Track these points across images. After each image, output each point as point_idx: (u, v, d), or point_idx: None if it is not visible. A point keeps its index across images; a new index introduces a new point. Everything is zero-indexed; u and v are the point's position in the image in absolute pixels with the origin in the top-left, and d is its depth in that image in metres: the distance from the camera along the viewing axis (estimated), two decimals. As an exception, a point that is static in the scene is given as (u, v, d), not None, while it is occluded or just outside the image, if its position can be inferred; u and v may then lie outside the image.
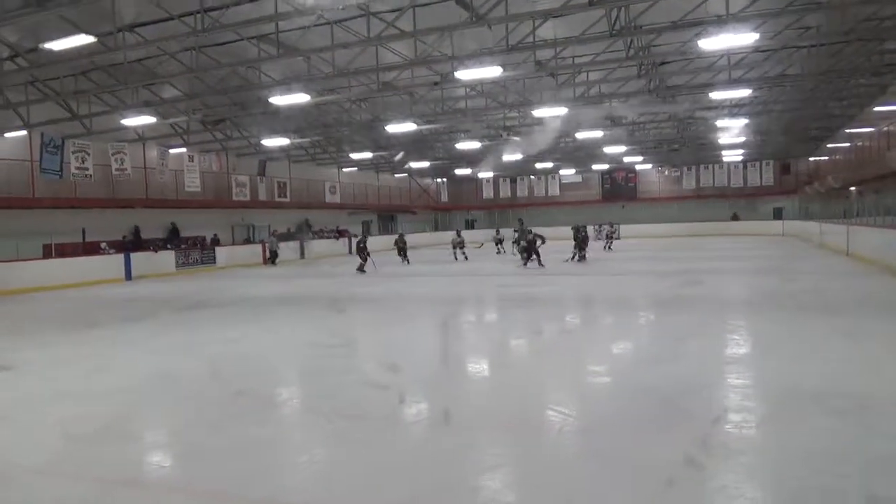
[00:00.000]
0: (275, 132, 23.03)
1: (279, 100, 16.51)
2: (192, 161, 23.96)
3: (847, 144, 25.63)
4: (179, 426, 5.28)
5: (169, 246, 23.02)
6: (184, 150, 23.76)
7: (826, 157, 30.53)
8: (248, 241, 27.77)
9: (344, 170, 34.85)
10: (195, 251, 23.48)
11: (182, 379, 6.77)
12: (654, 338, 8.63)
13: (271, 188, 28.67)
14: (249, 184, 27.06)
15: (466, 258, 23.08)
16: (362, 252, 19.56)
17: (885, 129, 18.75)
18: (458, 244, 23.79)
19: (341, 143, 28.72)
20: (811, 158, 34.35)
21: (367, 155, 29.76)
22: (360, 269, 19.12)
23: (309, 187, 31.25)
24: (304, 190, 30.80)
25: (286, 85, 16.42)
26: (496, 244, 26.65)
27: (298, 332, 9.72)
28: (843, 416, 4.70)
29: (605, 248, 26.23)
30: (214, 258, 23.98)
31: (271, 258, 25.35)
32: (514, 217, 44.49)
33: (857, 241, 18.00)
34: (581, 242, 20.32)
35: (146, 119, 18.08)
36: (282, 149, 27.10)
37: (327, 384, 6.36)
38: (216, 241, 25.61)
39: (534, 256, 18.63)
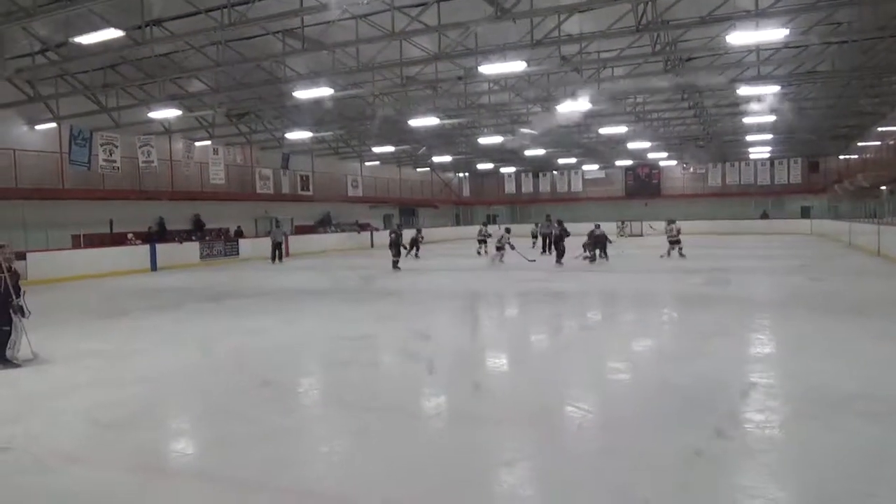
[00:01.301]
0: (298, 126, 23.20)
1: (303, 94, 16.60)
2: (217, 154, 24.22)
3: (879, 143, 25.09)
4: (204, 415, 5.36)
5: (193, 238, 23.31)
6: (209, 143, 24.04)
7: (856, 156, 29.92)
8: (269, 234, 28.02)
9: (366, 163, 35.00)
10: (219, 243, 23.75)
11: (207, 368, 6.87)
12: (678, 336, 8.57)
13: (294, 181, 28.88)
14: (273, 177, 27.29)
15: (486, 253, 23.09)
16: (394, 246, 18.41)
17: (919, 126, 18.32)
18: (484, 238, 23.75)
19: (364, 136, 28.83)
20: (841, 157, 33.69)
21: (390, 149, 29.83)
22: (395, 265, 18.04)
23: (331, 181, 31.43)
24: (326, 183, 30.98)
25: (310, 79, 16.51)
26: (479, 243, 23.92)
27: (321, 323, 9.79)
28: (874, 419, 4.63)
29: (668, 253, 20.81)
30: (238, 250, 24.24)
31: (276, 254, 22.29)
32: (537, 212, 44.44)
33: (888, 242, 17.65)
34: (595, 242, 18.82)
35: (172, 112, 18.32)
36: (305, 142, 27.28)
37: (350, 376, 6.41)
38: (239, 234, 25.87)
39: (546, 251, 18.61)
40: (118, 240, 20.80)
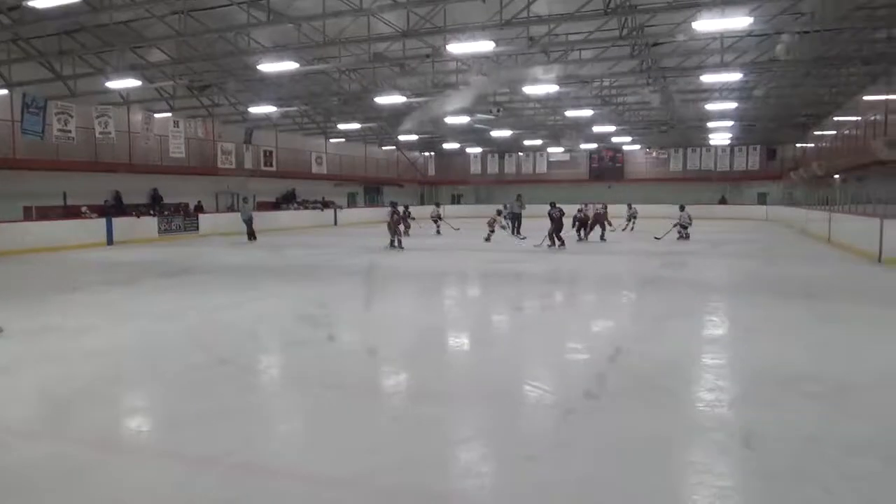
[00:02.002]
0: (262, 100, 22.77)
1: (268, 67, 16.29)
2: (178, 127, 23.63)
3: (833, 132, 25.79)
4: (161, 392, 5.30)
5: (151, 212, 22.79)
6: (169, 115, 23.44)
7: (812, 144, 30.72)
8: (232, 210, 27.58)
9: (331, 140, 34.57)
10: (178, 218, 23.27)
11: (164, 345, 6.77)
12: (635, 317, 8.74)
13: (257, 157, 28.39)
14: (235, 152, 26.77)
15: (439, 233, 23.13)
16: (396, 225, 17.54)
17: (872, 118, 18.88)
18: (437, 217, 23.83)
19: (330, 113, 28.45)
20: (798, 145, 34.55)
21: (355, 126, 29.52)
22: (394, 244, 17.24)
23: (295, 157, 30.99)
24: (290, 159, 30.54)
25: (275, 52, 16.20)
26: (434, 222, 23.88)
27: (282, 301, 9.72)
28: (817, 399, 4.81)
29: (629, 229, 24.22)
30: (198, 226, 23.81)
31: (249, 231, 21.51)
32: (501, 193, 44.58)
33: (838, 228, 18.22)
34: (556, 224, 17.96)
35: (132, 82, 17.76)
36: (268, 117, 26.81)
37: (309, 354, 6.39)
38: (200, 209, 25.40)
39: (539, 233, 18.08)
40: (72, 212, 20.22)
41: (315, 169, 32.06)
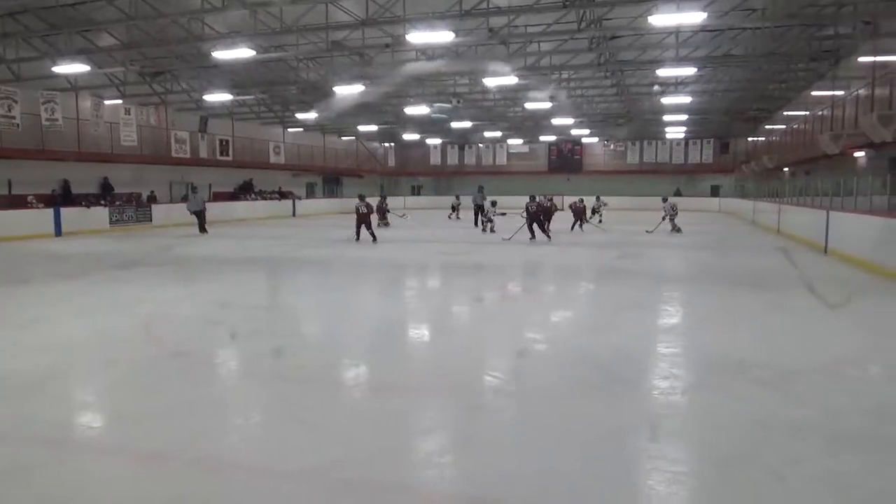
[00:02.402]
0: (218, 88, 22.26)
1: (223, 54, 15.93)
2: (129, 114, 22.94)
3: (783, 126, 26.56)
4: (112, 387, 5.16)
5: (102, 202, 22.12)
6: (120, 102, 22.73)
7: (763, 138, 31.57)
8: (186, 200, 26.97)
9: (289, 130, 34.07)
10: (130, 208, 22.64)
11: (115, 339, 6.59)
12: (593, 307, 8.88)
13: (213, 146, 27.78)
14: (190, 140, 26.14)
15: (387, 224, 23.04)
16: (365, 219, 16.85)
17: (819, 113, 19.49)
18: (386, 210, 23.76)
19: (288, 102, 28.01)
20: (749, 138, 35.47)
21: (314, 115, 29.14)
22: (359, 237, 16.83)
23: (253, 146, 30.44)
24: (247, 149, 29.99)
25: (231, 39, 15.84)
26: (382, 215, 23.21)
27: (238, 293, 9.55)
28: (766, 385, 4.96)
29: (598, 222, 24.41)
30: (151, 216, 23.22)
31: (200, 223, 20.40)
32: (460, 184, 44.63)
33: (786, 220, 18.80)
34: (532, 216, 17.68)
35: (80, 67, 17.14)
36: (224, 105, 26.26)
37: (266, 346, 6.29)
38: (153, 199, 24.76)
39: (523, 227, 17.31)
40: (17, 202, 19.48)
41: (273, 159, 31.56)
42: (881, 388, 5.23)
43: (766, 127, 30.61)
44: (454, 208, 28.90)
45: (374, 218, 18.24)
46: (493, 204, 20.37)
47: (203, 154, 27.00)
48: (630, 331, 7.03)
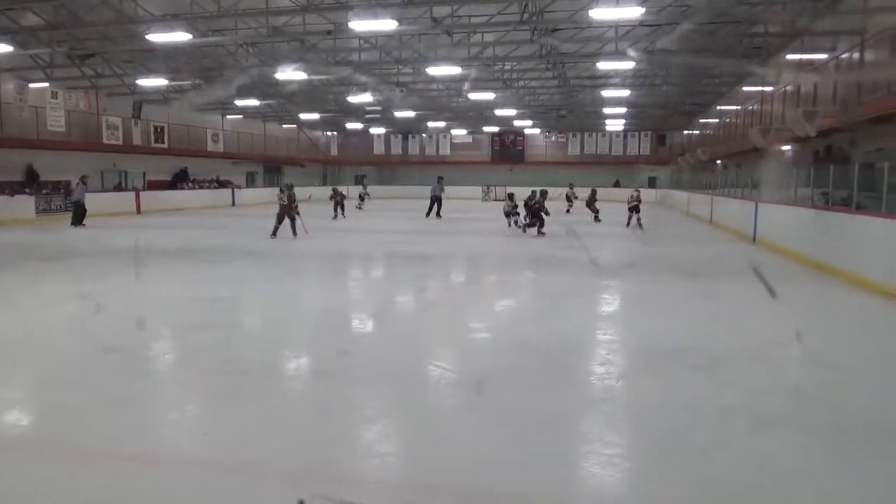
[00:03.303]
0: (152, 72, 21.46)
1: (157, 37, 15.37)
2: (56, 98, 21.88)
3: (716, 120, 27.49)
4: (39, 383, 4.95)
5: (27, 190, 21.08)
6: (46, 85, 21.63)
7: (697, 132, 32.62)
8: (119, 188, 26.01)
9: (228, 117, 33.18)
10: (58, 197, 21.65)
11: (43, 333, 6.32)
12: (535, 296, 9.03)
13: (147, 132, 26.82)
14: (122, 126, 25.15)
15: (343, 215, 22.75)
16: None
17: (749, 108, 20.27)
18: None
19: (226, 88, 27.25)
20: (684, 132, 36.57)
21: (254, 102, 28.47)
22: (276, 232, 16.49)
23: (189, 133, 29.53)
24: (184, 136, 29.07)
25: (166, 22, 15.31)
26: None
27: (175, 285, 9.29)
28: (698, 370, 5.16)
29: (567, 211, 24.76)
30: (82, 205, 22.24)
31: (75, 215, 18.31)
32: (405, 174, 44.51)
33: (718, 211, 19.52)
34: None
35: (2, 48, 16.22)
36: (159, 91, 25.35)
37: (205, 339, 6.16)
38: (83, 187, 23.73)
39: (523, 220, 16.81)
40: (-66, 190, 18.38)
41: (211, 147, 30.72)
42: (802, 370, 5.53)
43: (701, 121, 31.63)
44: (361, 198, 28.88)
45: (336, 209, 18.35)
46: (510, 196, 18.11)
47: (137, 141, 26.06)
48: (570, 319, 7.19)
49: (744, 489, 3.21)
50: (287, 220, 14.79)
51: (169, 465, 3.49)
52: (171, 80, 22.49)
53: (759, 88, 19.55)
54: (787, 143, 17.56)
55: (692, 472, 3.39)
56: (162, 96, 26.73)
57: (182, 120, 29.19)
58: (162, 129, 27.60)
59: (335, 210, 21.65)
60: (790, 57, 17.06)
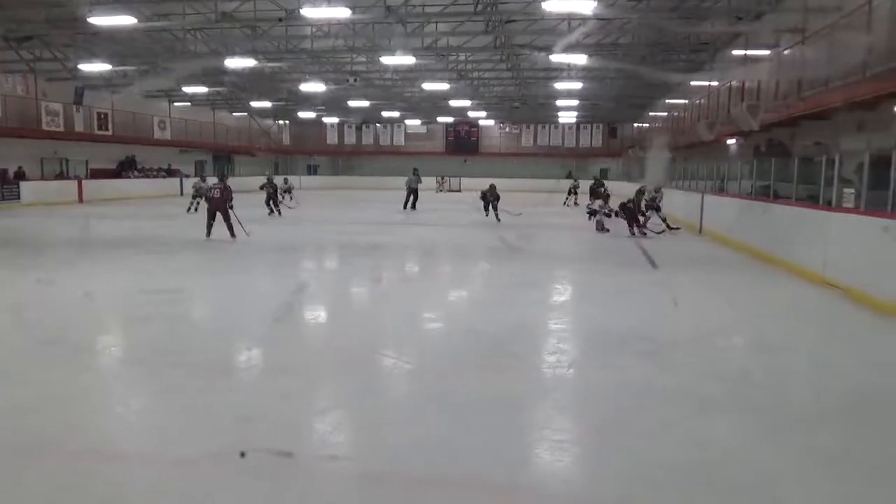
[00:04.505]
0: (96, 57, 20.69)
1: (101, 20, 14.83)
2: (-8, 82, 20.94)
3: (665, 114, 28.10)
4: (-25, 378, 4.76)
5: (-38, 178, 20.16)
6: (-21, 68, 20.69)
7: (647, 124, 33.28)
8: (60, 177, 25.07)
9: (175, 104, 32.28)
10: (-7, 185, 20.76)
11: (-21, 327, 6.07)
12: (488, 286, 9.11)
13: (90, 119, 25.90)
14: (63, 113, 24.22)
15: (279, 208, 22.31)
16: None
17: (697, 102, 20.79)
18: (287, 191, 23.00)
19: (173, 74, 26.49)
20: (635, 124, 37.27)
21: (203, 89, 27.78)
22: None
23: (135, 121, 28.63)
24: (129, 123, 28.17)
25: (109, 5, 14.76)
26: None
27: (120, 276, 9.04)
28: (645, 357, 5.31)
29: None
30: (18, 194, 21.39)
31: None
32: (358, 164, 44.19)
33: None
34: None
35: (-70, 28, 15.44)
36: (103, 76, 24.48)
37: (152, 332, 6.02)
38: (20, 175, 22.79)
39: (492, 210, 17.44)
40: None
41: (158, 134, 29.88)
42: (742, 355, 5.74)
43: (651, 114, 32.27)
44: (286, 192, 24.33)
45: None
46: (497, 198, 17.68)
47: (79, 128, 25.15)
48: (522, 308, 7.28)
49: (686, 469, 3.33)
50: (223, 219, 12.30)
51: (114, 461, 3.41)
52: (115, 65, 21.73)
53: (707, 83, 20.05)
54: (732, 136, 18.10)
55: (637, 455, 3.49)
56: (106, 82, 25.82)
57: (127, 106, 28.28)
58: (106, 115, 26.70)
59: (268, 205, 18.82)
60: (735, 53, 17.54)
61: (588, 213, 16.65)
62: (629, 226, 14.56)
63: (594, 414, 4.14)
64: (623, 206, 14.92)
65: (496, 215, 17.48)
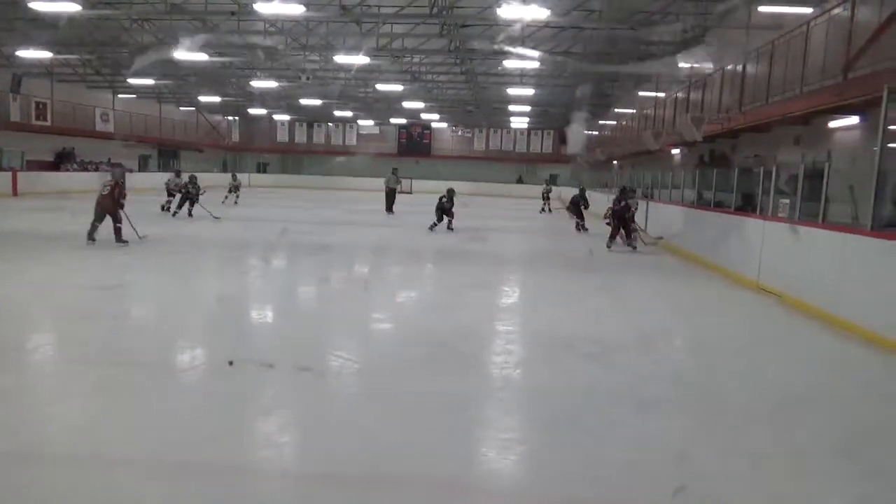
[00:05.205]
0: (34, 44, 19.87)
1: (41, 6, 14.27)
2: (-80, 66, 19.90)
3: (614, 122, 28.75)
4: None
5: None
6: None
7: (596, 133, 33.97)
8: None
9: (120, 96, 31.29)
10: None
11: None
12: (438, 288, 9.15)
13: (27, 109, 24.85)
14: (-2, 101, 23.21)
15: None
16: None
17: (644, 112, 21.35)
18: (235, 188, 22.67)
19: (119, 65, 25.70)
20: (585, 132, 37.97)
21: (149, 82, 27.02)
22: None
23: (76, 112, 27.63)
24: (69, 114, 27.16)
25: (50, -10, 14.23)
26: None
27: (59, 273, 8.70)
28: (590, 358, 5.44)
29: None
30: (-52, 185, 20.41)
31: None
32: (309, 163, 43.68)
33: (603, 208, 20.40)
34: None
35: None
36: (43, 64, 23.56)
37: (92, 330, 5.83)
38: (-50, 166, 21.76)
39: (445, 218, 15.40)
40: None
41: (100, 126, 28.89)
42: (683, 357, 5.95)
43: (600, 122, 32.95)
44: (231, 189, 22.90)
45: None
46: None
47: (14, 117, 24.11)
48: (471, 310, 7.35)
49: (627, 466, 3.43)
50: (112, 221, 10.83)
51: (49, 462, 3.30)
52: (56, 53, 20.94)
53: (653, 94, 20.61)
54: (677, 146, 18.66)
55: (581, 452, 3.58)
56: (46, 70, 24.86)
57: (68, 97, 27.28)
58: (44, 105, 25.69)
59: (169, 200, 16.94)
60: (682, 65, 18.08)
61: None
62: (612, 236, 13.19)
63: (541, 413, 4.23)
64: (615, 212, 13.27)
65: (449, 224, 15.51)
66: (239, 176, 24.18)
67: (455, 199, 15.73)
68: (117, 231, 10.83)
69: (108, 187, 10.86)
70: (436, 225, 15.48)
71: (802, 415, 4.35)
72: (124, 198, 10.97)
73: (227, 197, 21.73)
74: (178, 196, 16.73)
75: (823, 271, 7.25)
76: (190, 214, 16.22)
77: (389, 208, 20.72)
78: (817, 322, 6.99)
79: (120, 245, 10.71)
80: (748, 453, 3.70)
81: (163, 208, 17.05)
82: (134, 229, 11.18)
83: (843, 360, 5.82)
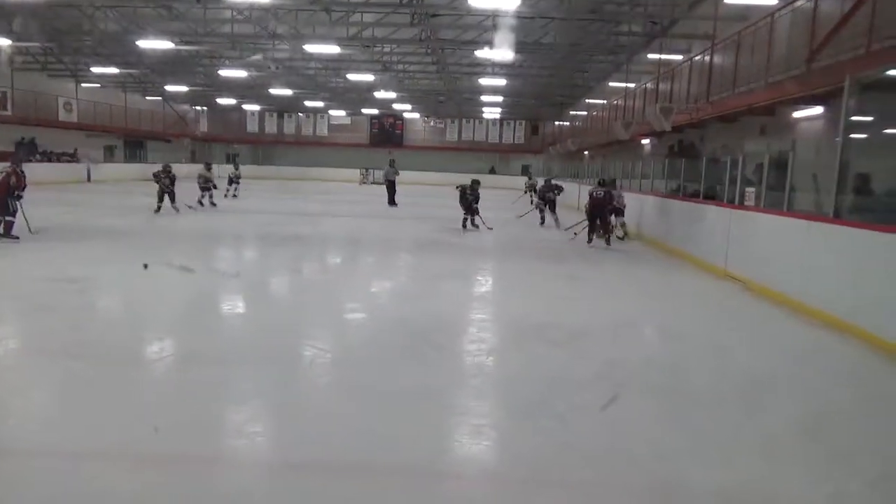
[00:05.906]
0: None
1: (-2, -9, 13.85)
2: None
3: (585, 113, 28.94)
4: None
5: None
6: None
7: (567, 123, 34.18)
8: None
9: (83, 85, 30.53)
10: None
11: None
12: (412, 278, 9.15)
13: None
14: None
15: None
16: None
17: (615, 102, 21.52)
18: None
19: (81, 53, 25.07)
20: (556, 122, 38.20)
21: (114, 70, 26.42)
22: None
23: (38, 101, 26.90)
24: (30, 103, 26.43)
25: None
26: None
27: (20, 264, 8.49)
28: (557, 345, 5.50)
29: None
30: None
31: None
32: (280, 154, 43.23)
33: (584, 199, 20.59)
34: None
35: None
36: (3, 52, 22.86)
37: (56, 322, 5.71)
38: None
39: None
40: None
41: (63, 116, 28.18)
42: (651, 343, 6.04)
43: (571, 112, 33.16)
44: (231, 181, 22.09)
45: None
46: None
47: (-27, 106, 23.41)
48: (444, 299, 7.36)
49: (597, 451, 3.48)
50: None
51: (13, 456, 3.23)
52: (16, 41, 20.34)
53: (624, 84, 20.79)
54: (646, 136, 18.86)
55: (552, 438, 3.62)
56: (6, 58, 24.12)
57: (29, 85, 26.54)
58: (4, 94, 24.96)
59: (160, 199, 15.41)
60: (651, 56, 18.26)
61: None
62: (591, 230, 12.36)
63: (512, 399, 4.26)
64: (595, 203, 12.41)
65: (473, 221, 14.32)
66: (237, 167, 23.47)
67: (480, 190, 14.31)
68: (7, 225, 9.82)
69: (4, 174, 9.77)
70: (467, 220, 14.23)
71: (770, 398, 4.45)
72: (23, 189, 9.94)
73: (228, 189, 21.21)
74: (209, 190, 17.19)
75: (788, 258, 7.41)
76: (174, 206, 15.34)
77: (392, 200, 20.45)
78: (783, 308, 7.15)
79: (10, 241, 9.67)
80: (714, 435, 3.77)
81: (200, 203, 16.95)
82: (26, 221, 10.33)
83: (808, 345, 5.96)
